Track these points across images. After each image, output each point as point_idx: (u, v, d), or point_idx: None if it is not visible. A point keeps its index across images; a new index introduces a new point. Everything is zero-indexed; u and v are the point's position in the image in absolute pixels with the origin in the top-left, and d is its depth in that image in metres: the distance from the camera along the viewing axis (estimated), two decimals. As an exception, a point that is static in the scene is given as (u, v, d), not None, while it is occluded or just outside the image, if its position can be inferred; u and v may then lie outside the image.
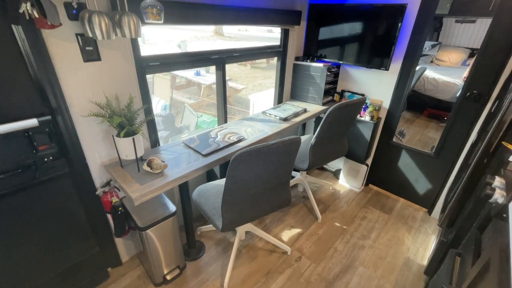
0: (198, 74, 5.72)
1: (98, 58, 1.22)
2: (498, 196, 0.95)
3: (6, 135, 1.06)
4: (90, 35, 1.05)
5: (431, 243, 1.93)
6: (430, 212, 2.23)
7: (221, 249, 1.83)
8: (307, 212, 2.20)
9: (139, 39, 1.35)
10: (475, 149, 1.55)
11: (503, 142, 1.18)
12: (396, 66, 2.04)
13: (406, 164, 2.27)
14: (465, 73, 3.59)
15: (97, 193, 1.40)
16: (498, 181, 1.00)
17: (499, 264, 0.79)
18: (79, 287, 1.49)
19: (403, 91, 2.08)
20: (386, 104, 2.20)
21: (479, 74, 1.72)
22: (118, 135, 1.21)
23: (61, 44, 1.09)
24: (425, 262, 1.78)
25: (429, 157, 2.13)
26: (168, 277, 1.57)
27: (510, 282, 0.69)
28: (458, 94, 1.87)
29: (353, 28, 2.09)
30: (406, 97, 2.11)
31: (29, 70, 1.06)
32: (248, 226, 1.81)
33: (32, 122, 1.09)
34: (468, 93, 1.79)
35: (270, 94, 3.61)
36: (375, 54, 2.05)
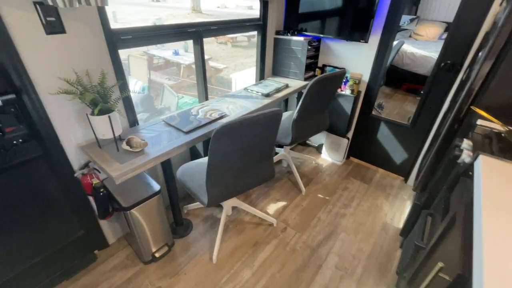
0: (176, 53, 5.47)
1: (62, 30, 1.12)
2: (466, 156, 1.02)
3: (-34, 116, 0.98)
4: (50, 3, 0.96)
5: (407, 208, 2.07)
6: (406, 180, 2.37)
7: (209, 225, 1.87)
8: (291, 186, 2.26)
9: (109, 16, 1.26)
10: (447, 117, 1.63)
11: (471, 107, 1.25)
12: (375, 38, 2.05)
13: (384, 136, 2.36)
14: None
15: (75, 175, 1.35)
16: (466, 143, 1.07)
17: (463, 217, 0.86)
18: (66, 271, 1.48)
19: (382, 63, 2.11)
20: (366, 77, 2.24)
21: (452, 45, 1.77)
22: (93, 114, 1.16)
23: (18, 14, 1.00)
24: (401, 225, 1.91)
25: (405, 128, 2.22)
26: (157, 255, 1.59)
27: (473, 232, 0.76)
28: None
29: (333, 0, 2.05)
30: (385, 70, 2.15)
31: (-16, 43, 0.96)
32: (234, 201, 1.84)
33: (-6, 101, 1.01)
34: (442, 64, 1.85)
35: (252, 72, 3.54)
36: (355, 27, 2.04)
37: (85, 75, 1.23)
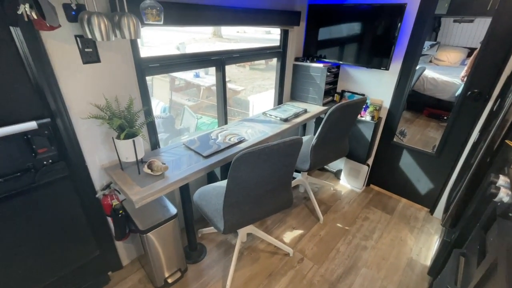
0: (197, 76, 5.71)
1: (97, 60, 1.21)
2: (503, 195, 0.94)
3: (5, 138, 1.04)
4: (90, 36, 1.04)
5: (434, 243, 1.92)
6: (432, 211, 2.22)
7: (223, 251, 1.82)
8: (308, 213, 2.18)
9: (138, 41, 1.35)
10: (477, 148, 1.54)
11: (506, 141, 1.18)
12: (396, 65, 2.04)
13: (407, 164, 2.26)
14: (463, 72, 3.59)
15: (97, 196, 1.38)
16: (502, 180, 0.99)
17: (507, 264, 0.78)
18: (79, 292, 1.48)
19: (404, 90, 2.07)
20: (387, 103, 2.20)
21: (479, 73, 1.72)
22: (118, 137, 1.20)
23: (60, 46, 1.08)
24: (428, 262, 1.76)
25: (430, 157, 2.12)
26: (170, 280, 1.55)
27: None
28: (457, 94, 1.87)
29: (353, 28, 2.09)
30: (407, 96, 2.11)
31: (27, 72, 1.05)
32: (250, 228, 1.79)
33: (31, 125, 1.08)
34: (469, 92, 1.79)
35: (269, 95, 3.60)
36: (375, 54, 2.04)
37: (114, 100, 1.30)
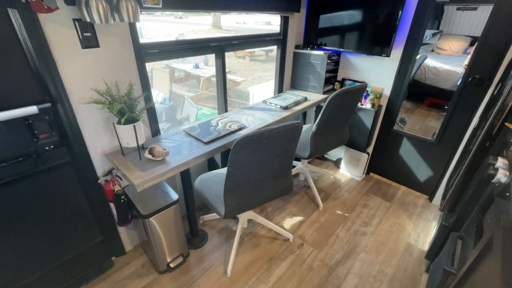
0: (197, 66, 5.67)
1: (96, 44, 1.20)
2: (501, 175, 0.95)
3: (7, 122, 1.05)
4: (88, 19, 1.03)
5: (432, 229, 1.94)
6: (431, 199, 2.24)
7: (224, 237, 1.84)
8: (308, 201, 2.21)
9: (136, 26, 1.33)
10: (476, 133, 1.54)
11: (506, 124, 1.18)
12: (397, 52, 2.02)
13: (407, 152, 2.27)
14: (466, 61, 3.56)
15: (99, 181, 1.40)
16: (500, 162, 1.00)
17: (502, 242, 0.79)
18: (84, 276, 1.51)
19: (404, 77, 2.06)
20: (387, 91, 2.19)
21: (481, 59, 1.71)
22: (119, 122, 1.21)
23: (59, 30, 1.08)
24: (426, 247, 1.79)
25: (430, 144, 2.13)
26: (172, 265, 1.58)
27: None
28: (459, 82, 1.86)
29: (353, 15, 2.06)
30: (407, 84, 2.10)
31: (27, 56, 1.04)
32: (250, 214, 1.82)
33: (32, 109, 1.08)
34: (470, 78, 1.78)
35: (269, 86, 3.58)
36: (376, 41, 2.02)
37: (114, 86, 1.29)
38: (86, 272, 1.51)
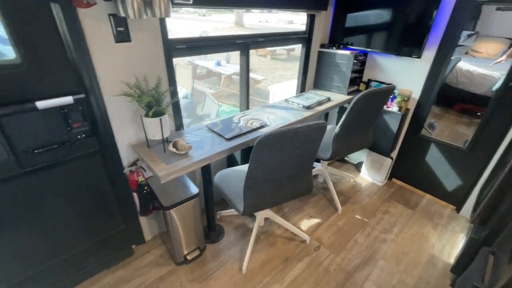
0: (218, 64, 5.74)
1: (128, 39, 1.24)
2: (547, 189, 0.87)
3: (46, 111, 1.11)
4: (123, 14, 1.07)
5: (459, 242, 1.84)
6: (458, 209, 2.12)
7: (240, 234, 1.85)
8: (326, 203, 2.16)
9: (166, 22, 1.36)
10: (516, 142, 1.43)
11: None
12: (429, 54, 1.93)
13: (434, 158, 2.16)
14: (504, 57, 3.30)
15: (124, 171, 1.45)
16: (546, 174, 0.92)
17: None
18: (106, 261, 1.57)
19: (436, 80, 1.96)
20: (416, 94, 2.09)
21: (525, 62, 1.58)
22: (147, 115, 1.24)
23: (95, 24, 1.12)
24: (451, 260, 1.70)
25: (461, 152, 2.01)
26: (189, 257, 1.61)
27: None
28: (495, 88, 1.74)
29: (383, 14, 1.98)
30: (439, 87, 1.99)
31: (65, 49, 1.10)
32: (268, 213, 1.81)
33: (68, 99, 1.14)
34: (511, 83, 1.65)
35: (290, 85, 3.55)
36: (406, 42, 1.94)
37: (143, 79, 1.33)
38: (108, 257, 1.58)
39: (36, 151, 1.15)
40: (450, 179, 2.12)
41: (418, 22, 1.84)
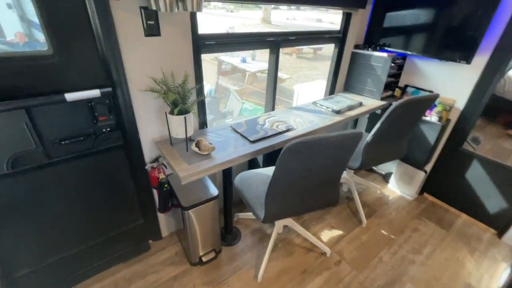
0: (244, 61, 5.69)
1: (158, 33, 1.21)
2: None
3: (74, 103, 1.11)
4: (154, 7, 1.03)
5: (501, 272, 1.64)
6: (500, 234, 1.90)
7: (257, 239, 1.79)
8: (350, 214, 2.04)
9: (197, 16, 1.31)
10: None
11: None
12: (480, 60, 1.73)
13: (477, 176, 1.95)
14: None
15: (146, 167, 1.43)
16: None
17: None
18: (123, 254, 1.58)
19: (486, 90, 1.76)
20: (460, 104, 1.90)
21: None
22: (172, 113, 1.21)
23: (126, 17, 1.10)
24: (490, 292, 1.52)
25: (509, 171, 1.79)
26: (204, 259, 1.58)
27: None
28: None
29: (428, 14, 1.80)
30: (489, 98, 1.79)
31: (96, 41, 1.09)
32: (288, 220, 1.73)
33: (95, 92, 1.13)
34: None
35: (316, 86, 3.41)
36: (453, 46, 1.75)
37: (170, 75, 1.30)
38: (125, 251, 1.58)
39: (63, 142, 1.15)
40: (493, 200, 1.91)
41: (469, 24, 1.65)
